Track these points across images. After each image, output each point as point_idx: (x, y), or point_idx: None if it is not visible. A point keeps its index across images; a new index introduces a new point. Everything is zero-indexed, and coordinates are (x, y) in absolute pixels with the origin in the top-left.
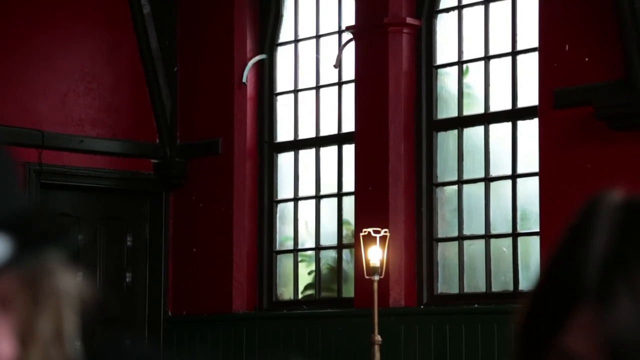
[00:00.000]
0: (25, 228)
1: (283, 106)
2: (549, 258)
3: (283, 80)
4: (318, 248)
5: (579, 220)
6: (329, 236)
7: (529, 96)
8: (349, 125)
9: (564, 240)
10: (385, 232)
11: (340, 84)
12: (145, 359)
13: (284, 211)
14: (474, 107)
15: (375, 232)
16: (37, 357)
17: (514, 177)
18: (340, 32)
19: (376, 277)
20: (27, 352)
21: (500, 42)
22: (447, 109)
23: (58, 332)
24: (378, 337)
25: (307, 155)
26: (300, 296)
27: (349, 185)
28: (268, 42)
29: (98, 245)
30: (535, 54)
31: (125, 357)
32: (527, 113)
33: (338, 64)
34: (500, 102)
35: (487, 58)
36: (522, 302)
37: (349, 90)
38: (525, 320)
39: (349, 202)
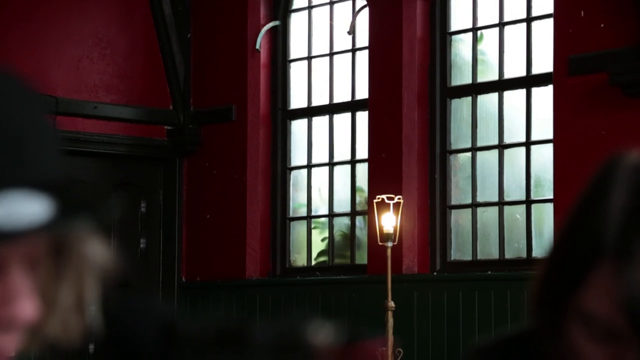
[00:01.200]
0: (65, 193)
1: (296, 73)
2: (567, 219)
3: (296, 46)
4: (331, 215)
5: (596, 181)
6: (342, 203)
7: (544, 63)
8: (362, 92)
9: (582, 202)
10: (399, 199)
11: (353, 50)
12: (161, 318)
13: (297, 178)
14: (488, 74)
15: (388, 199)
16: (56, 322)
17: (528, 144)
18: None
19: (389, 244)
20: (47, 316)
21: (515, 9)
22: (461, 76)
23: (79, 300)
24: (391, 304)
25: (320, 122)
26: (313, 263)
27: (362, 152)
28: (282, 8)
29: (112, 211)
30: (550, 21)
31: (141, 316)
32: (541, 80)
33: (352, 31)
34: (515, 69)
35: (501, 25)
36: (538, 266)
37: (363, 57)
38: (542, 282)
39: (362, 169)
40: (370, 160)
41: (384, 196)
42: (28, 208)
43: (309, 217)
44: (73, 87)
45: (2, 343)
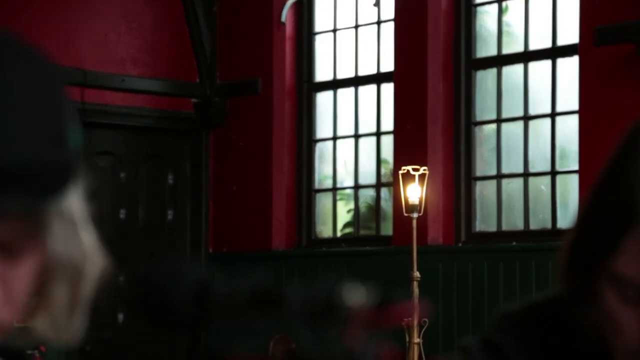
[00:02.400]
0: (39, 175)
1: (322, 45)
2: (595, 185)
3: (322, 19)
4: (357, 187)
5: (624, 146)
6: (368, 175)
7: (569, 34)
8: (387, 65)
9: (611, 167)
10: (424, 170)
11: (379, 23)
12: (194, 282)
13: (323, 150)
14: (513, 45)
15: (414, 170)
16: (47, 320)
17: (553, 115)
18: None
19: (415, 215)
20: (36, 313)
21: None
22: (486, 48)
23: (70, 297)
24: (417, 274)
25: (345, 95)
26: (339, 234)
27: (387, 124)
28: None
29: (139, 183)
30: None
31: (175, 280)
32: (567, 51)
33: (377, 3)
34: (540, 40)
35: None
36: (568, 232)
37: (388, 30)
38: (573, 248)
39: (387, 141)
40: (396, 132)
41: (409, 168)
42: None
43: (334, 189)
44: (101, 60)
45: None
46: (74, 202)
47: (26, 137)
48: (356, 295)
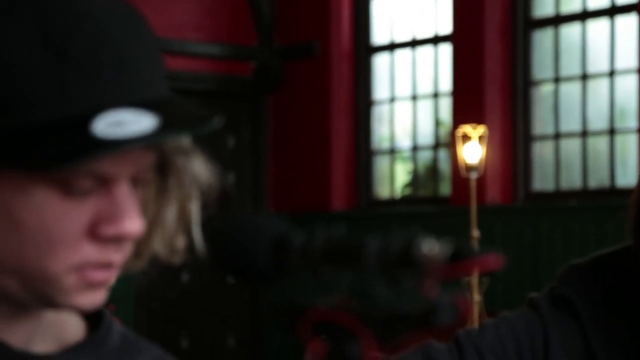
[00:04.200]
0: (170, 110)
1: (379, 8)
2: None
3: None
4: (415, 148)
5: None
6: (426, 136)
7: None
8: (445, 27)
9: None
10: (482, 130)
11: None
12: (271, 233)
13: (381, 112)
14: (571, 4)
15: (471, 131)
16: (160, 239)
17: (612, 74)
18: None
19: (473, 175)
20: (151, 232)
21: None
22: (543, 7)
23: (182, 217)
24: (476, 233)
25: (403, 57)
26: (397, 195)
27: (445, 85)
28: None
29: (199, 147)
30: None
31: (252, 230)
32: (625, 9)
33: None
34: None
35: None
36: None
37: None
38: None
39: (445, 103)
40: (453, 93)
41: (467, 128)
42: (132, 123)
43: (392, 151)
44: (161, 25)
45: (111, 258)
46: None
47: (159, 75)
48: (433, 247)
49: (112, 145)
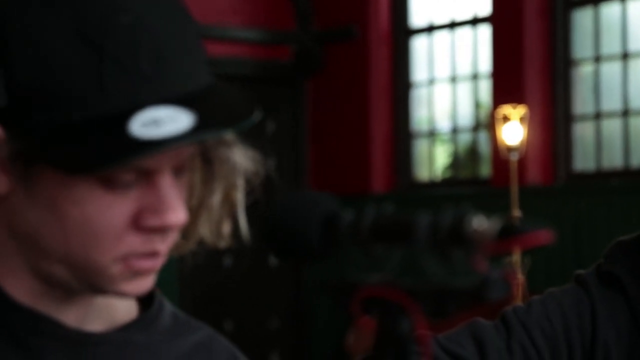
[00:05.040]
0: (208, 106)
1: None
2: None
3: None
4: (454, 130)
5: None
6: (465, 117)
7: None
8: (483, 8)
9: None
10: (522, 111)
11: None
12: (322, 210)
13: (420, 94)
14: None
15: (511, 111)
16: (207, 224)
17: None
18: None
19: (513, 156)
20: (198, 218)
21: None
22: None
23: (228, 203)
24: (517, 214)
25: (442, 39)
26: (437, 177)
27: (484, 66)
28: None
29: (241, 132)
30: None
31: (303, 208)
32: None
33: None
34: None
35: None
36: None
37: None
38: None
39: (484, 84)
40: (493, 74)
41: (507, 109)
42: (169, 122)
43: (431, 133)
44: (200, 11)
45: (156, 247)
46: None
47: (196, 67)
48: (482, 223)
49: (148, 146)
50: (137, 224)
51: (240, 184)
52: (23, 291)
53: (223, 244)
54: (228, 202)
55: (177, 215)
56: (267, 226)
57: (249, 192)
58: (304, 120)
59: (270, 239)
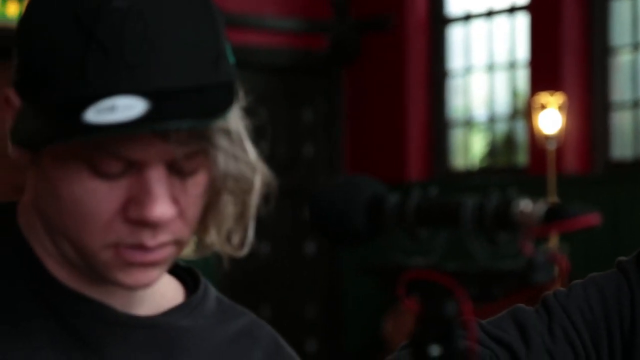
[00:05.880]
0: (182, 99)
1: None
2: None
3: None
4: (491, 118)
5: None
6: (502, 106)
7: None
8: None
9: None
10: (559, 100)
11: None
12: (367, 193)
13: (456, 83)
14: None
15: (549, 100)
16: (218, 232)
17: None
18: None
19: (550, 145)
20: (210, 226)
21: None
22: None
23: (239, 207)
24: (555, 200)
25: (479, 27)
26: (473, 165)
27: (521, 55)
28: None
29: (278, 120)
30: None
31: (348, 191)
32: None
33: None
34: None
35: None
36: None
37: None
38: None
39: (521, 72)
40: (531, 62)
41: (544, 97)
42: (124, 109)
43: (468, 121)
44: (237, 0)
45: (144, 241)
46: (236, 119)
47: (190, 61)
48: (528, 206)
49: (92, 130)
50: (124, 214)
51: (248, 187)
52: (67, 274)
53: (234, 252)
54: (239, 206)
55: (161, 209)
56: (314, 210)
57: (264, 201)
58: (341, 109)
59: (317, 223)
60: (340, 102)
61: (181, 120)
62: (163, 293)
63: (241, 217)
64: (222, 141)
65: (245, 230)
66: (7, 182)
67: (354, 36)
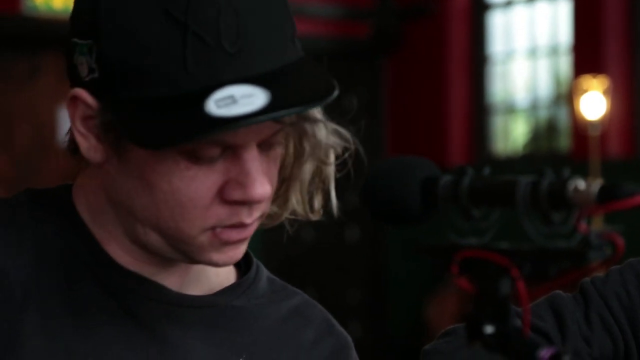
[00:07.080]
0: (287, 84)
1: None
2: None
3: None
4: (533, 104)
5: None
6: (545, 91)
7: None
8: None
9: None
10: (602, 85)
11: None
12: (421, 174)
13: (498, 69)
14: None
15: (592, 84)
16: (299, 198)
17: None
18: None
19: (593, 129)
20: (291, 192)
21: None
22: None
23: (319, 177)
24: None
25: (520, 12)
26: (515, 151)
27: (563, 40)
28: None
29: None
30: None
31: (401, 173)
32: None
33: None
34: None
35: None
36: None
37: None
38: None
39: (563, 58)
40: (574, 47)
41: (588, 81)
42: (244, 101)
43: (509, 107)
44: None
45: (243, 219)
46: None
47: (279, 42)
48: (583, 185)
49: (222, 123)
50: (223, 196)
51: (329, 159)
52: (126, 256)
53: (313, 217)
54: (319, 176)
55: (262, 188)
56: (368, 191)
57: (340, 167)
58: (383, 96)
59: (371, 203)
60: (382, 89)
61: (300, 106)
62: (215, 273)
63: (321, 182)
64: (316, 114)
65: (327, 193)
66: (56, 170)
67: (395, 23)
